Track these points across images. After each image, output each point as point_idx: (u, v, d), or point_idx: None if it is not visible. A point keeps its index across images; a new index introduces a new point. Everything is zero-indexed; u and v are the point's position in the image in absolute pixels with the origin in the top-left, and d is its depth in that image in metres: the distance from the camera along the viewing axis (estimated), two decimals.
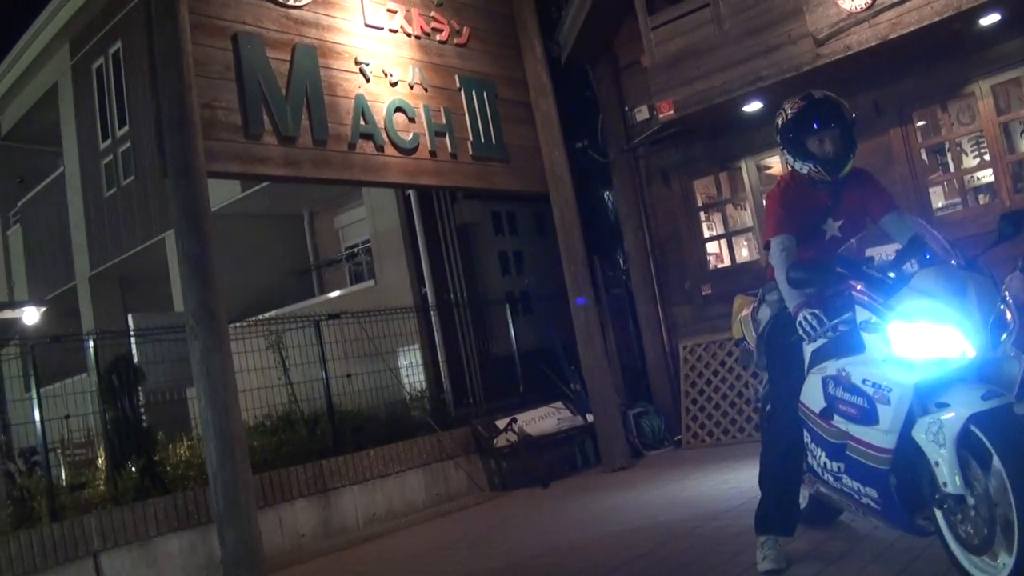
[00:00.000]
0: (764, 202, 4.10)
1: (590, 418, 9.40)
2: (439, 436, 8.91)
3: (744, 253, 10.28)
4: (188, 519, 6.89)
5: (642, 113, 10.02)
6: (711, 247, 10.26)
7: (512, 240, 12.20)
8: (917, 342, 3.40)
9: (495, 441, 9.01)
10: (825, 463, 3.94)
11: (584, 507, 7.23)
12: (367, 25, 8.18)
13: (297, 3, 7.62)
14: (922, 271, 3.58)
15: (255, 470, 6.98)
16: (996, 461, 3.16)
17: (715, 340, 9.44)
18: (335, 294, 12.46)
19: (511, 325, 10.61)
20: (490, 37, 9.37)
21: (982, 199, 9.14)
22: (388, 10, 8.39)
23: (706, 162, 9.88)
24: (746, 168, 9.61)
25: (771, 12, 8.32)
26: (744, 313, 4.96)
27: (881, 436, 3.53)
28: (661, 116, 9.10)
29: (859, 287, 3.72)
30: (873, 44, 7.69)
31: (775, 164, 10.04)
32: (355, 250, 13.85)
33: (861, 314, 3.70)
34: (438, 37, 8.81)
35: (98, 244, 14.28)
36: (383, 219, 11.53)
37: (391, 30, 8.38)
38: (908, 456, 3.46)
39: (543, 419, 9.50)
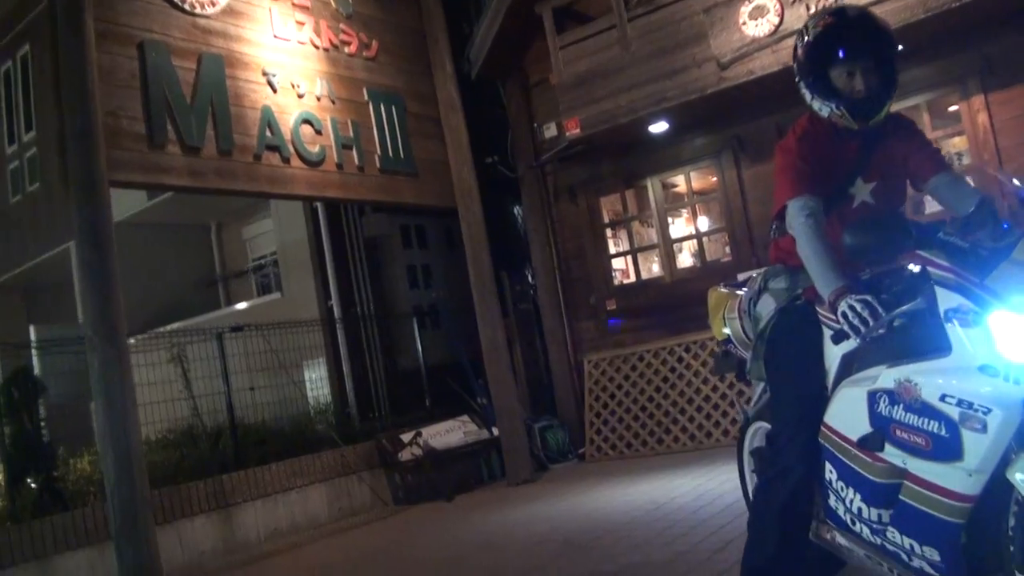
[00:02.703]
0: (776, 157, 3.31)
1: (496, 432, 9.44)
2: (343, 450, 8.86)
3: (655, 269, 10.44)
4: (88, 536, 6.73)
5: (550, 130, 10.14)
6: (617, 263, 10.41)
7: (421, 254, 12.23)
8: None
9: (400, 455, 8.98)
10: (860, 509, 2.90)
11: (488, 520, 7.26)
12: (275, 36, 8.10)
13: (205, 12, 7.53)
14: None
15: (155, 485, 6.85)
16: None
17: (619, 355, 9.57)
18: (241, 306, 12.32)
19: (418, 339, 10.63)
20: (400, 51, 9.37)
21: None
22: (297, 21, 8.33)
23: (613, 179, 10.02)
24: (651, 186, 9.78)
25: (676, 36, 8.51)
26: (729, 308, 3.96)
27: (962, 477, 2.49)
28: (568, 134, 9.23)
29: (938, 261, 2.63)
30: (776, 69, 7.91)
31: (680, 182, 10.25)
32: (262, 262, 13.71)
33: (945, 300, 2.57)
34: (347, 50, 8.78)
35: (2, 252, 13.83)
36: (290, 231, 11.46)
37: (299, 42, 8.32)
38: (990, 507, 2.52)
39: (449, 433, 9.51)
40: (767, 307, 3.49)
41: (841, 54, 3.09)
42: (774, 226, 3.41)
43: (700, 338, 9.00)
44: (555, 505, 7.34)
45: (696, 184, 10.26)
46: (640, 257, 10.32)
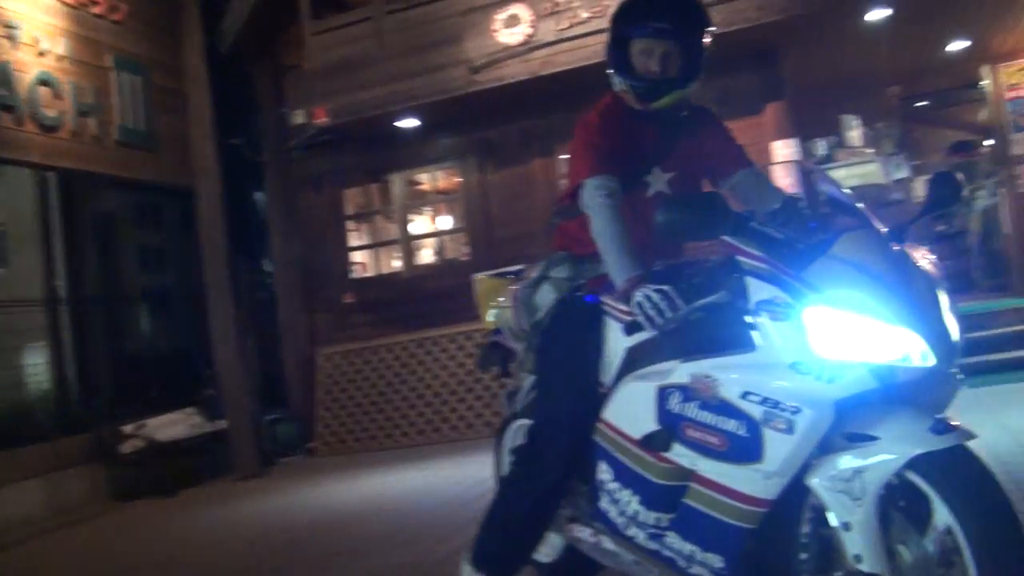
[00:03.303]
0: (575, 132, 3.07)
1: (224, 424, 9.12)
2: (59, 442, 8.22)
3: (394, 264, 10.45)
4: None
5: (299, 117, 9.90)
6: (357, 257, 10.35)
7: (156, 235, 11.60)
8: (854, 337, 2.22)
9: (121, 448, 8.47)
10: (637, 512, 2.69)
11: (210, 517, 7.00)
12: None
13: None
14: (848, 235, 2.40)
15: None
16: (956, 531, 2.10)
17: (353, 349, 9.51)
18: None
19: (149, 324, 10.07)
20: (150, 18, 8.90)
21: None
22: None
23: (358, 172, 9.96)
24: (396, 182, 9.81)
25: (432, 35, 8.58)
26: (502, 296, 3.61)
27: (758, 480, 2.34)
28: (317, 122, 9.09)
29: (751, 251, 2.42)
30: (525, 78, 8.16)
31: (425, 180, 10.34)
32: None
33: (758, 291, 2.37)
34: (94, 10, 8.23)
35: None
36: (18, 202, 10.52)
37: None
38: (781, 513, 2.40)
39: (175, 424, 9.06)
40: (546, 297, 3.21)
41: (644, 30, 2.90)
42: (555, 209, 3.27)
43: (434, 335, 9.12)
44: (281, 500, 7.20)
45: (441, 183, 10.39)
46: (380, 252, 10.31)
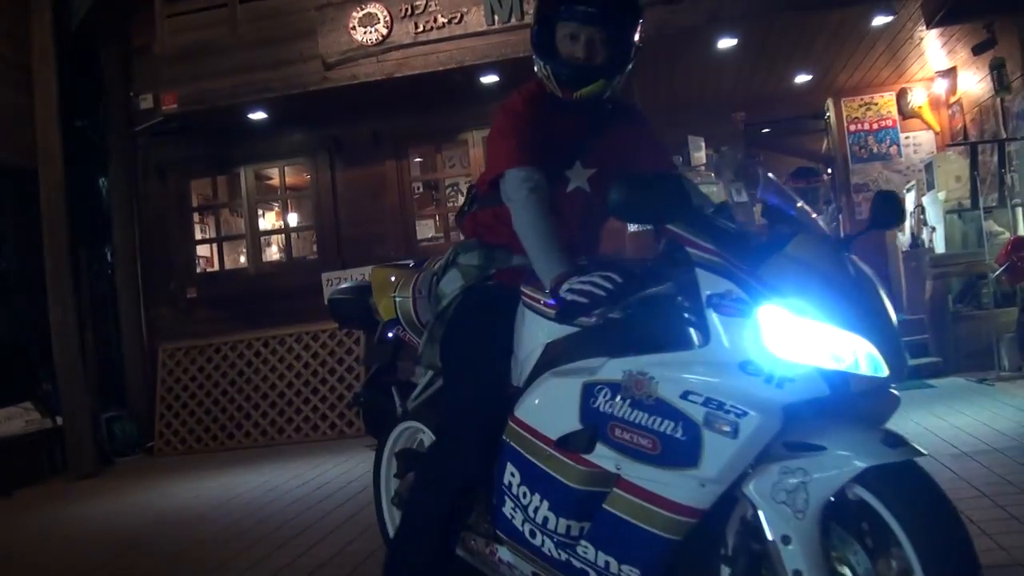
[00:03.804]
0: (496, 118, 2.88)
1: (60, 421, 8.72)
2: None
3: (240, 259, 10.23)
4: None
5: (147, 102, 9.54)
6: (201, 250, 10.09)
7: None
8: (810, 340, 2.08)
9: None
10: (546, 519, 2.48)
11: (47, 517, 6.70)
12: None
13: None
14: (803, 236, 2.29)
15: None
16: (907, 549, 1.94)
17: (196, 345, 9.25)
18: None
19: None
20: None
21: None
22: None
23: (206, 163, 9.71)
24: (245, 175, 9.60)
25: (286, 27, 8.46)
26: (402, 286, 3.42)
27: (692, 487, 2.16)
28: (165, 108, 8.82)
29: (702, 242, 2.24)
30: (379, 78, 8.12)
31: (275, 175, 10.15)
32: None
33: (710, 284, 2.19)
34: None
35: None
36: None
37: None
38: (708, 522, 2.22)
39: (9, 420, 8.59)
40: (453, 284, 2.99)
41: (571, 12, 2.72)
42: (473, 195, 3.09)
43: (280, 333, 8.96)
44: (119, 501, 6.95)
45: (290, 179, 10.24)
46: (226, 246, 10.08)
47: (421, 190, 10.11)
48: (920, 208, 9.28)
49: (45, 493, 7.86)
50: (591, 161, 2.90)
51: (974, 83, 9.54)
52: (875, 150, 11.04)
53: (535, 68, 2.82)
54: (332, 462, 7.25)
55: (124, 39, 9.79)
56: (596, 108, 2.86)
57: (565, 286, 2.38)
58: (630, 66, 2.81)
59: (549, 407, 2.53)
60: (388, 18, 7.99)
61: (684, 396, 2.16)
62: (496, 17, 7.82)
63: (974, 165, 8.56)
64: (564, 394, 2.48)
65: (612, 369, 2.37)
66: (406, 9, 8.00)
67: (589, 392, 2.41)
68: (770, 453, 2.09)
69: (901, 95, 10.86)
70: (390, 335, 3.55)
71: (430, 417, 3.35)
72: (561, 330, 2.58)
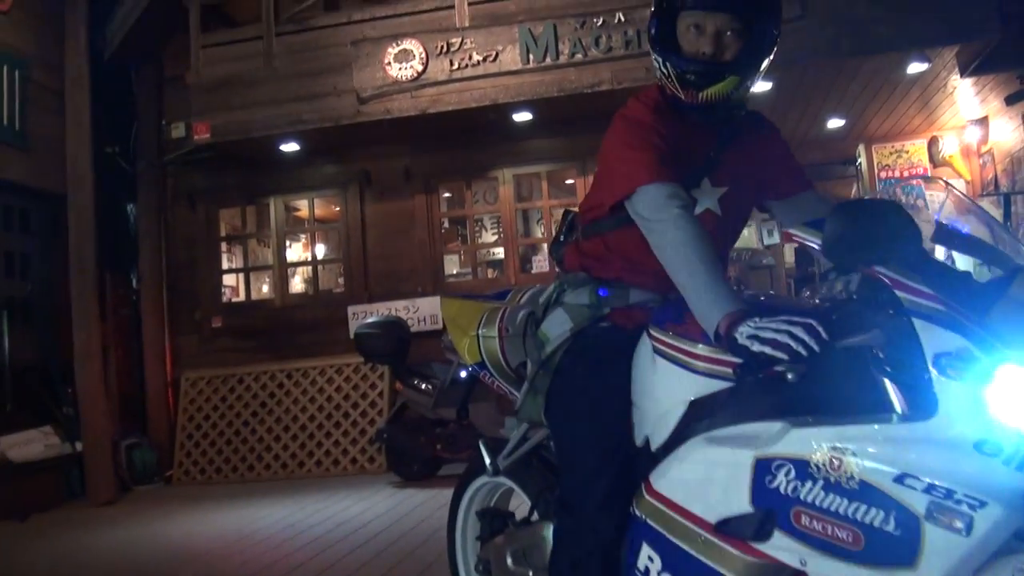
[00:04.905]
0: (614, 130, 2.40)
1: (80, 446, 8.67)
2: None
3: (265, 290, 10.22)
4: None
5: (179, 130, 9.60)
6: (228, 280, 10.08)
7: (22, 240, 11.02)
8: None
9: None
10: None
11: (61, 544, 6.64)
12: None
13: None
14: None
15: None
16: None
17: (219, 375, 9.22)
18: None
19: (7, 334, 9.51)
20: (36, 11, 8.48)
21: (491, 272, 10.02)
22: None
23: (236, 193, 9.72)
24: (275, 206, 9.61)
25: (322, 60, 8.47)
26: (486, 323, 2.92)
27: None
28: (197, 137, 8.82)
29: (919, 287, 1.81)
30: (412, 114, 8.13)
31: (304, 207, 10.15)
32: None
33: (937, 340, 1.76)
34: None
35: None
36: None
37: None
38: None
39: (29, 444, 8.56)
40: (560, 327, 2.53)
41: None
42: (570, 221, 2.78)
43: (304, 365, 8.92)
44: (135, 530, 6.89)
45: (319, 211, 10.23)
46: (252, 276, 10.07)
47: (447, 225, 10.11)
48: (951, 259, 9.17)
49: (61, 519, 7.80)
50: (721, 178, 2.46)
51: (1007, 133, 9.49)
52: (903, 200, 10.94)
53: (655, 68, 2.41)
54: (353, 498, 7.16)
55: (158, 67, 9.88)
56: (725, 115, 2.43)
57: (743, 331, 1.94)
58: (767, 62, 2.37)
59: (705, 482, 2.09)
60: (424, 55, 8.00)
61: (899, 480, 1.75)
62: (531, 56, 7.84)
63: (1007, 216, 8.47)
64: (727, 468, 2.03)
65: (797, 441, 1.91)
66: (442, 46, 8.02)
67: (764, 468, 1.95)
68: (1001, 546, 1.70)
69: (932, 143, 10.80)
70: (463, 375, 3.17)
71: (527, 477, 2.96)
72: (709, 384, 2.15)
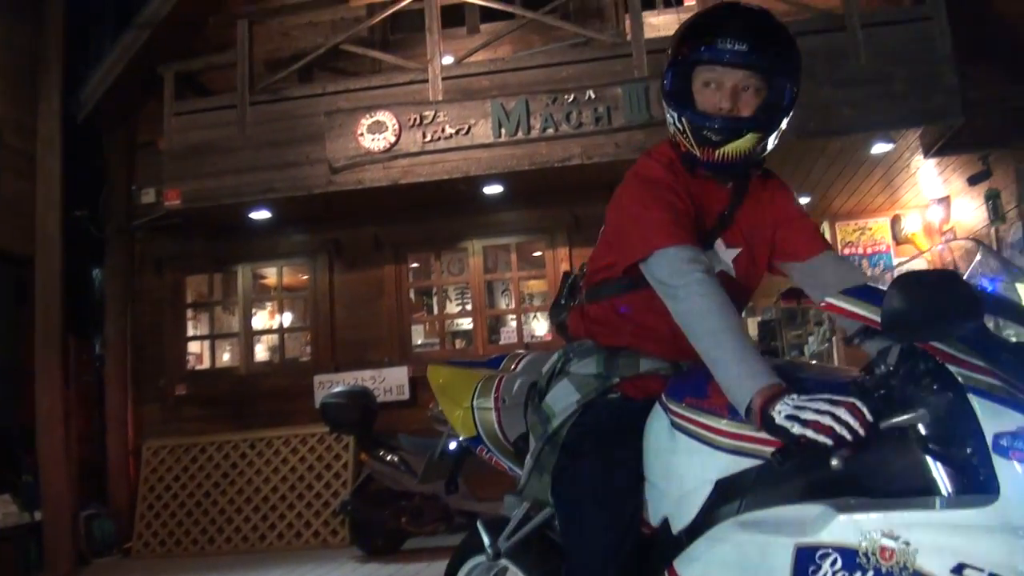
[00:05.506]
0: (627, 187, 2.30)
1: (39, 515, 8.43)
2: None
3: (225, 358, 10.12)
4: None
5: (149, 196, 9.59)
6: (193, 347, 9.98)
7: None
8: None
9: None
10: None
11: None
12: None
13: None
14: None
15: None
16: None
17: (182, 444, 9.06)
18: None
19: None
20: (10, 75, 8.47)
21: (459, 343, 10.00)
22: None
23: (203, 260, 9.66)
24: (242, 273, 9.58)
25: (294, 130, 8.51)
26: (481, 392, 2.76)
27: None
28: (167, 203, 8.79)
29: (975, 362, 1.68)
30: (384, 184, 8.16)
31: (271, 275, 10.11)
32: None
33: (997, 419, 1.63)
34: None
35: None
36: None
37: None
38: None
39: None
40: (566, 399, 2.37)
41: (714, 53, 2.17)
42: (572, 284, 2.67)
43: (268, 435, 8.80)
44: None
45: (287, 279, 10.21)
46: (217, 344, 9.98)
47: (415, 295, 10.11)
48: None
49: None
50: (734, 238, 2.36)
51: (969, 212, 9.65)
52: (868, 274, 11.13)
53: (669, 123, 2.30)
54: (315, 573, 7.03)
55: (129, 132, 9.89)
56: (740, 172, 2.33)
57: (780, 410, 1.78)
58: (786, 120, 2.26)
59: (740, 571, 1.91)
60: (397, 126, 8.06)
61: (958, 571, 1.60)
62: (503, 130, 7.91)
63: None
64: (765, 556, 1.85)
65: (842, 528, 1.74)
66: (415, 119, 8.08)
67: (807, 557, 1.77)
68: None
69: (895, 221, 11.00)
70: (452, 448, 3.00)
71: (531, 561, 2.75)
72: (737, 462, 1.97)
